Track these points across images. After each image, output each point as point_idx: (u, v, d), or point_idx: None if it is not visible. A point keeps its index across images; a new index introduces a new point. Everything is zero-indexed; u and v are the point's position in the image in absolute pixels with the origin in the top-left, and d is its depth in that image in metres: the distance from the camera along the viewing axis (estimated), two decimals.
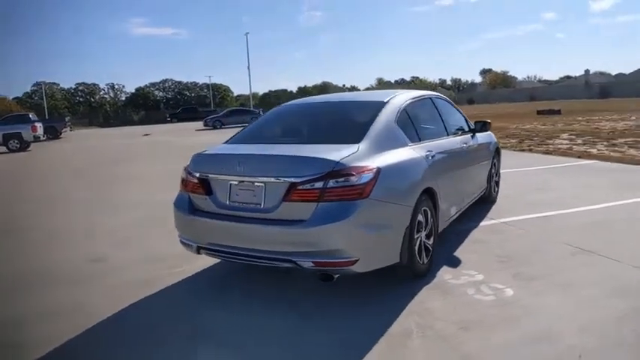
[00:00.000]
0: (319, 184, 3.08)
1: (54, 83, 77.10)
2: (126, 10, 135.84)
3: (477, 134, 5.39)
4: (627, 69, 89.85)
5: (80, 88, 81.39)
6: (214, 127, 33.17)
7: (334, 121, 4.18)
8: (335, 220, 3.03)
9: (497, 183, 6.29)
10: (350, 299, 3.51)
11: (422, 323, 3.07)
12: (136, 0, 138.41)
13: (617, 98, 45.89)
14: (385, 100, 4.04)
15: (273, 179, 3.26)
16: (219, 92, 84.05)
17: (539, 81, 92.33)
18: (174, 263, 4.39)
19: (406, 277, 3.69)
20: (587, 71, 66.52)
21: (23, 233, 6.16)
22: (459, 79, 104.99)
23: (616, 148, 11.15)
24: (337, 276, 3.30)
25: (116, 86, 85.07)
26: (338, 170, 3.11)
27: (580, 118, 21.93)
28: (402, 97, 4.20)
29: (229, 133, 22.22)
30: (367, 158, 3.30)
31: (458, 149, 4.68)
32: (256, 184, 3.33)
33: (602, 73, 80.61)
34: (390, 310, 3.26)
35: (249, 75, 62.65)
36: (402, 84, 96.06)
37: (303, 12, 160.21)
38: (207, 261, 4.32)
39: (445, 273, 3.88)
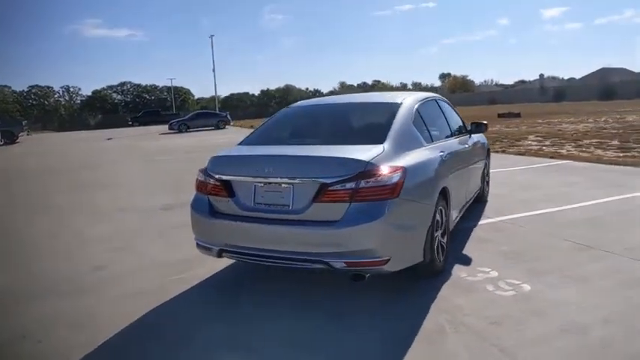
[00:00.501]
0: (351, 185, 3.08)
1: (5, 86, 73.59)
2: (79, 12, 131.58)
3: (473, 135, 5.52)
4: (577, 74, 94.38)
5: (33, 91, 77.95)
6: (180, 131, 32.51)
7: (352, 122, 4.19)
8: (368, 220, 3.04)
9: (487, 183, 6.46)
10: (374, 299, 3.51)
11: (452, 320, 3.11)
12: (89, 1, 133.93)
13: (570, 102, 47.99)
14: (399, 102, 4.08)
15: (302, 180, 3.23)
16: (180, 95, 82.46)
17: (496, 85, 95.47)
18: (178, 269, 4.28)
19: (425, 275, 3.72)
20: (541, 75, 69.41)
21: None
22: (420, 83, 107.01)
23: (583, 149, 11.66)
24: (368, 275, 3.29)
25: (71, 89, 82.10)
26: (369, 170, 3.12)
27: (540, 121, 22.80)
28: (413, 99, 4.25)
29: (197, 136, 22.12)
30: (393, 158, 3.33)
31: (461, 150, 4.78)
32: (283, 185, 3.30)
33: (554, 78, 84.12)
34: (418, 308, 3.29)
35: (215, 77, 61.69)
36: (364, 87, 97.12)
37: (264, 15, 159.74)
38: (212, 266, 4.26)
39: (459, 271, 3.94)
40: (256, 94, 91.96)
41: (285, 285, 3.90)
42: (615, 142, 12.51)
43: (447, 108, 5.15)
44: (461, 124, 5.44)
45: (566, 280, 3.65)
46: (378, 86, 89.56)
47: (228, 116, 36.15)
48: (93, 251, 5.17)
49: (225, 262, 4.31)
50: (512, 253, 4.29)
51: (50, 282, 4.30)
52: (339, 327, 3.13)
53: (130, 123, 49.44)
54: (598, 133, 15.23)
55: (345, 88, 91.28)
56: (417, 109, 4.11)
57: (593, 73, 66.49)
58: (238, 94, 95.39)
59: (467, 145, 5.07)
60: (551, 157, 10.50)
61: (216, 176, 3.55)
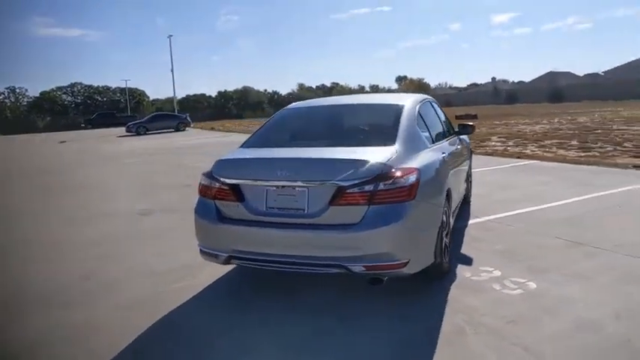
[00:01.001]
0: (369, 187, 3.05)
1: None
2: (28, 9, 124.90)
3: (460, 136, 5.61)
4: (527, 77, 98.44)
5: None
6: (138, 133, 31.50)
7: (357, 124, 4.16)
8: (388, 222, 3.02)
9: (470, 183, 6.59)
10: (386, 303, 3.49)
11: (470, 320, 3.13)
12: None
13: (523, 104, 50.03)
14: (402, 104, 4.08)
15: (317, 183, 3.17)
16: (135, 97, 79.95)
17: (450, 88, 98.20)
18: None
19: (434, 277, 3.74)
20: (493, 79, 72.20)
21: None
22: (377, 86, 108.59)
23: (546, 149, 12.15)
24: (386, 279, 3.27)
25: (17, 90, 77.94)
26: (387, 172, 3.10)
27: (498, 122, 23.60)
28: (413, 100, 4.27)
29: (158, 138, 21.47)
30: (405, 160, 3.33)
31: (455, 151, 4.85)
32: (298, 188, 3.22)
33: (505, 81, 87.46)
34: (433, 310, 3.31)
35: (173, 78, 59.87)
36: (323, 90, 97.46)
37: (220, 15, 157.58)
38: (211, 273, 4.13)
39: (463, 271, 3.98)
40: (213, 95, 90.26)
41: (292, 289, 3.83)
42: (575, 142, 13.10)
43: (438, 109, 5.21)
44: (449, 125, 5.52)
45: (567, 277, 3.76)
46: (336, 89, 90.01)
47: (189, 118, 35.37)
48: (75, 260, 4.91)
49: (225, 268, 4.18)
50: (508, 252, 4.39)
51: (37, 293, 4.04)
52: (357, 331, 3.09)
53: (83, 125, 47.49)
54: (556, 133, 15.91)
55: (303, 90, 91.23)
56: (418, 111, 4.13)
57: (541, 77, 69.58)
58: (195, 95, 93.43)
59: (458, 147, 5.15)
60: (518, 157, 10.87)
61: (225, 180, 3.43)
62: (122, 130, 34.26)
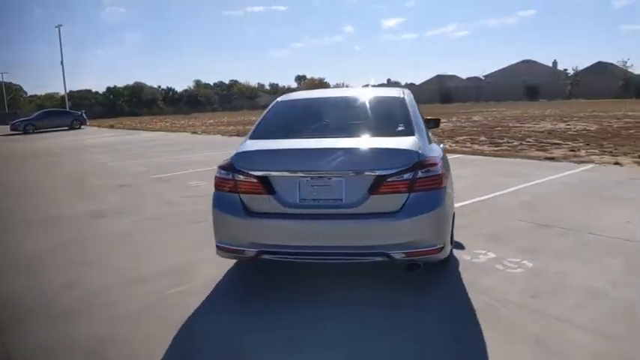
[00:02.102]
0: (408, 176, 3.13)
1: None
2: None
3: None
4: (417, 80, 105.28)
5: None
6: (26, 132, 28.36)
7: (367, 115, 4.19)
8: (428, 210, 3.13)
9: None
10: (415, 292, 3.58)
11: (495, 298, 3.35)
12: None
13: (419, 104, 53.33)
14: (401, 96, 4.23)
15: (355, 173, 3.18)
16: (10, 92, 71.83)
17: (348, 88, 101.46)
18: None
19: (444, 262, 3.87)
20: (389, 80, 75.93)
21: None
22: (277, 84, 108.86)
23: (461, 144, 13.14)
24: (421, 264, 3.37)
25: None
26: (422, 161, 3.20)
27: None
28: (407, 92, 4.41)
29: (55, 138, 19.74)
30: (427, 150, 3.46)
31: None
32: (334, 178, 3.20)
33: (397, 83, 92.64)
34: (458, 292, 3.50)
35: (63, 72, 54.25)
36: (221, 87, 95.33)
37: (105, 7, 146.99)
38: (208, 275, 3.95)
39: (462, 254, 4.23)
40: (101, 91, 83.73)
41: (308, 283, 3.79)
42: (483, 138, 14.32)
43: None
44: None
45: (554, 255, 4.15)
46: (236, 86, 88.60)
47: (84, 115, 32.60)
48: (47, 267, 4.39)
49: (221, 268, 4.02)
50: (491, 236, 4.74)
51: (24, 305, 3.56)
52: (399, 319, 3.17)
53: None
54: (462, 130, 17.26)
55: (200, 87, 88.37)
56: (414, 104, 4.29)
57: (431, 79, 74.90)
58: (80, 91, 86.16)
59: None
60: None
61: (252, 172, 3.29)
62: (4, 128, 30.61)
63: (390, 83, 74.48)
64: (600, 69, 54.48)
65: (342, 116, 4.30)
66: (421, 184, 3.15)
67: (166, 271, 4.14)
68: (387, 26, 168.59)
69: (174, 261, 4.38)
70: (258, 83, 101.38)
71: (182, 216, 6.14)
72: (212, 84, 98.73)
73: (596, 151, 10.50)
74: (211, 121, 34.67)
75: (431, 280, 3.77)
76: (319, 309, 3.34)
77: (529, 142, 12.92)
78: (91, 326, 3.23)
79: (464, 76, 78.10)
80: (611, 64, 56.74)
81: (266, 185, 3.27)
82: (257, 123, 4.05)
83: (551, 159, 9.71)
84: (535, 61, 63.31)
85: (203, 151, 14.13)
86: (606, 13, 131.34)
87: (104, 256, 4.71)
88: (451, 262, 4.02)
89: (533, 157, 10.11)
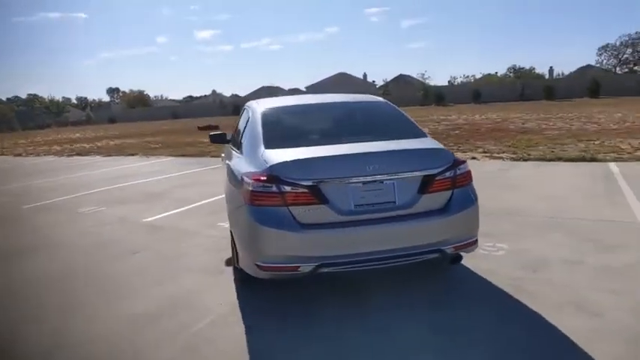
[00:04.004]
0: (450, 174, 3.39)
1: None
2: None
3: None
4: (241, 91, 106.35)
5: None
6: None
7: (371, 120, 4.30)
8: (469, 204, 3.44)
9: None
10: (430, 292, 3.84)
11: (506, 276, 3.85)
12: None
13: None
14: (382, 100, 4.52)
15: (405, 174, 3.29)
16: None
17: (166, 100, 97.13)
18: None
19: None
20: (214, 91, 75.02)
21: None
22: (86, 98, 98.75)
23: None
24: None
25: None
26: (456, 159, 3.49)
27: None
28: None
29: None
30: None
31: None
32: (385, 182, 3.26)
33: (219, 94, 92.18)
34: (471, 282, 3.89)
35: None
36: (16, 102, 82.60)
37: None
38: (204, 306, 3.68)
39: None
40: None
41: (341, 290, 3.75)
42: None
43: None
44: None
45: (521, 237, 4.82)
46: (38, 100, 77.64)
47: None
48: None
49: (228, 292, 3.73)
50: None
51: None
52: (451, 308, 3.41)
53: None
54: None
55: None
56: None
57: (257, 91, 76.52)
58: None
59: None
60: None
61: (302, 182, 3.14)
62: None
63: (215, 94, 73.80)
64: (402, 81, 62.58)
65: (350, 121, 4.38)
66: (460, 181, 3.44)
67: (168, 305, 3.69)
68: (201, 37, 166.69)
69: (158, 296, 3.88)
70: (63, 97, 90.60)
71: None
72: (4, 99, 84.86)
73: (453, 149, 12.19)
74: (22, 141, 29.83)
75: (445, 273, 4.08)
76: (373, 317, 3.37)
77: None
78: None
79: (286, 87, 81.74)
80: (410, 76, 65.74)
81: (317, 194, 3.17)
82: (261, 133, 3.81)
83: None
84: (349, 74, 69.42)
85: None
86: (396, 32, 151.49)
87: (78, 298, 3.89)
88: None
89: None
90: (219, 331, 3.28)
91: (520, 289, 3.60)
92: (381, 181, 3.27)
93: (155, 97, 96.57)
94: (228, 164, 4.38)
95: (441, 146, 3.61)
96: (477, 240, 3.54)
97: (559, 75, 59.38)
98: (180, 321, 3.44)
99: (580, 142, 11.68)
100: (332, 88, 64.42)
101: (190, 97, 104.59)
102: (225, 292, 3.89)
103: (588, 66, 61.22)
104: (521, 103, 38.95)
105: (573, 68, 64.25)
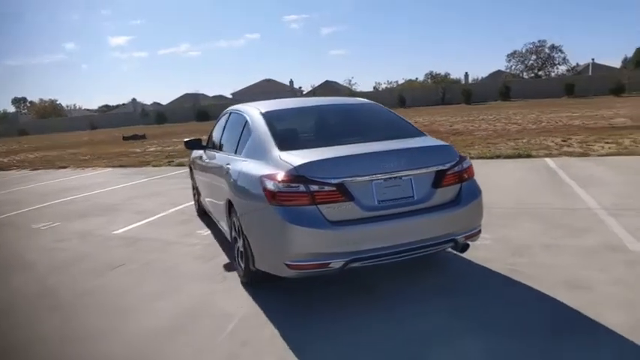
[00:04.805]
0: (458, 168, 3.65)
1: None
2: None
3: None
4: (162, 99, 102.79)
5: None
6: None
7: (374, 120, 4.52)
8: (476, 196, 3.73)
9: None
10: (445, 281, 4.13)
11: (504, 261, 4.18)
12: None
13: (172, 123, 52.36)
14: (371, 101, 4.73)
15: (422, 170, 3.50)
16: None
17: (82, 109, 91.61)
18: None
19: None
20: (134, 99, 71.67)
21: None
22: None
23: None
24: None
25: None
26: (461, 155, 3.76)
27: (176, 140, 24.17)
28: None
29: None
30: None
31: None
32: (404, 178, 3.44)
33: (139, 102, 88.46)
34: (473, 270, 4.19)
35: None
36: None
37: None
38: (241, 310, 3.68)
39: None
40: None
41: (357, 288, 3.87)
42: None
43: None
44: None
45: (498, 227, 5.17)
46: None
47: None
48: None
49: (242, 300, 3.76)
50: None
51: None
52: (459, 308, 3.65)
53: None
54: None
55: None
56: None
57: (179, 98, 74.49)
58: None
59: None
60: None
61: (330, 181, 3.25)
62: None
63: (135, 103, 70.73)
64: (329, 87, 63.77)
65: (352, 122, 4.55)
66: (466, 175, 3.72)
67: (170, 327, 3.58)
68: (115, 44, 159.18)
69: (151, 319, 3.78)
70: None
71: None
72: None
73: None
74: None
75: (448, 263, 4.35)
76: (398, 308, 3.56)
77: None
78: None
79: (210, 94, 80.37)
80: (337, 82, 67.22)
81: (345, 192, 3.29)
82: (269, 136, 3.85)
83: None
84: (275, 80, 69.58)
85: None
86: (317, 40, 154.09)
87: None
88: None
89: None
90: (253, 332, 3.29)
91: (517, 272, 3.93)
92: (400, 177, 3.45)
93: (68, 106, 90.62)
94: (222, 169, 4.41)
95: (447, 143, 3.87)
96: (481, 229, 3.82)
97: (475, 80, 63.68)
98: (206, 328, 3.40)
99: (509, 141, 12.69)
100: (259, 94, 64.19)
101: (107, 106, 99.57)
102: (239, 296, 3.88)
103: (499, 71, 66.25)
104: (443, 107, 41.33)
105: (485, 74, 69.32)
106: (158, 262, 4.95)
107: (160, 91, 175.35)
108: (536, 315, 3.27)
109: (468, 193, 3.68)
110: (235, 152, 4.38)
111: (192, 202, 7.26)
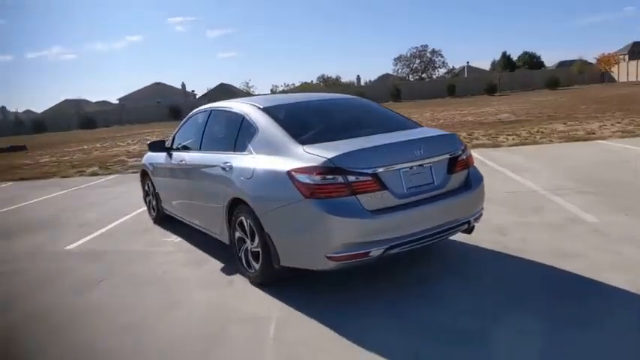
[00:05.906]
0: (464, 155, 3.94)
1: None
2: None
3: None
4: (38, 107, 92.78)
5: None
6: None
7: (375, 113, 4.64)
8: (480, 180, 4.05)
9: None
10: (449, 261, 4.41)
11: (491, 242, 4.56)
12: None
13: (54, 132, 47.77)
14: (366, 99, 4.88)
15: (439, 157, 3.72)
16: None
17: None
18: None
19: None
20: (3, 107, 64.17)
21: None
22: None
23: None
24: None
25: None
26: (463, 143, 4.03)
27: (76, 148, 22.33)
28: None
29: None
30: None
31: None
32: (425, 165, 3.63)
33: (9, 110, 79.48)
34: (472, 248, 4.53)
35: None
36: None
37: None
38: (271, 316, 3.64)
39: None
40: None
41: (370, 277, 3.96)
42: None
43: None
44: None
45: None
46: None
47: None
48: None
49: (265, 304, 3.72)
50: None
51: None
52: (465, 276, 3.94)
53: None
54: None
55: None
56: None
57: (58, 105, 68.36)
58: None
59: None
60: None
61: (366, 171, 3.33)
62: None
63: (4, 111, 63.27)
64: (225, 90, 62.54)
65: (358, 116, 4.65)
66: (470, 161, 4.03)
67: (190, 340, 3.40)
68: None
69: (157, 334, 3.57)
70: None
71: None
72: None
73: None
74: None
75: (450, 248, 4.60)
76: (428, 287, 3.72)
77: None
78: None
79: (94, 100, 74.71)
80: (233, 85, 66.25)
81: (379, 181, 3.39)
82: (282, 130, 3.81)
83: None
84: (165, 83, 66.67)
85: None
86: (204, 42, 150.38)
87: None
88: None
89: None
90: (301, 332, 3.24)
91: (508, 248, 4.34)
92: (422, 165, 3.64)
93: None
94: (216, 168, 4.31)
95: (452, 132, 4.17)
96: (481, 213, 4.14)
97: (366, 82, 66.78)
98: (245, 333, 3.27)
99: None
100: (149, 98, 61.11)
101: None
102: (259, 298, 3.77)
103: (387, 74, 70.25)
104: None
105: (375, 77, 73.15)
106: (144, 272, 4.59)
107: (33, 98, 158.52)
108: (544, 278, 3.72)
109: (475, 178, 3.99)
110: (234, 149, 4.23)
111: (144, 210, 6.81)
